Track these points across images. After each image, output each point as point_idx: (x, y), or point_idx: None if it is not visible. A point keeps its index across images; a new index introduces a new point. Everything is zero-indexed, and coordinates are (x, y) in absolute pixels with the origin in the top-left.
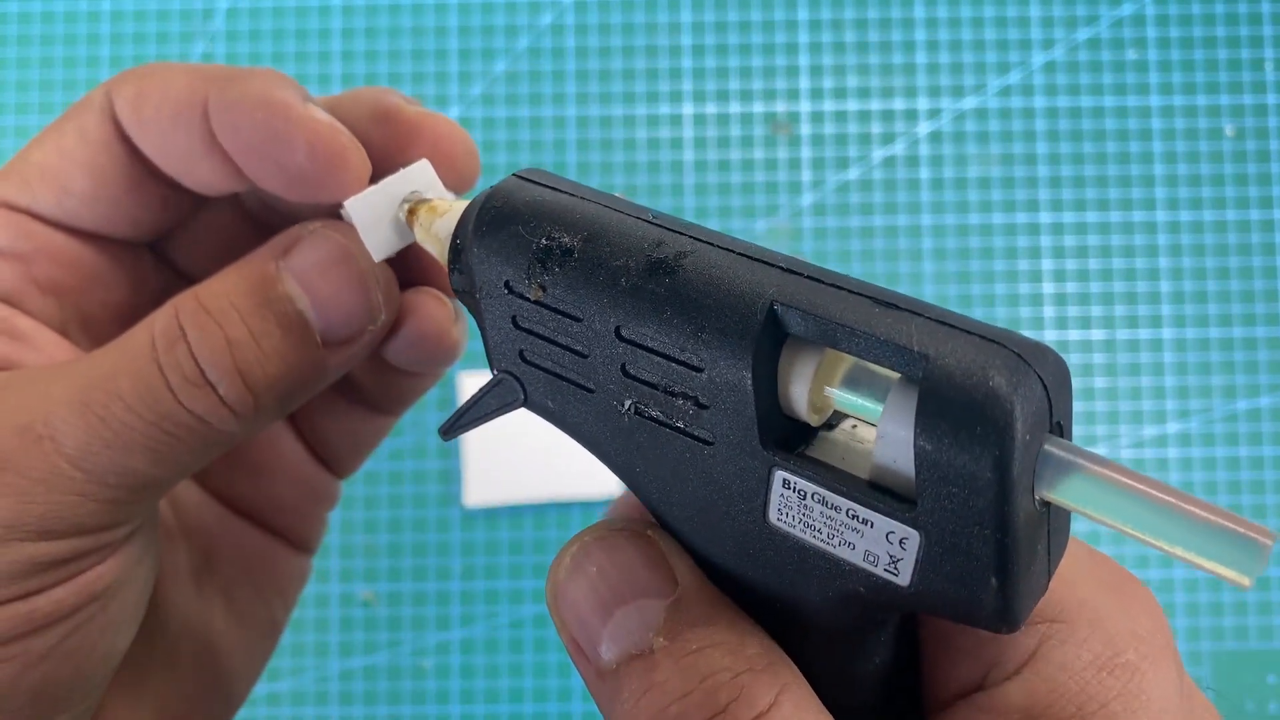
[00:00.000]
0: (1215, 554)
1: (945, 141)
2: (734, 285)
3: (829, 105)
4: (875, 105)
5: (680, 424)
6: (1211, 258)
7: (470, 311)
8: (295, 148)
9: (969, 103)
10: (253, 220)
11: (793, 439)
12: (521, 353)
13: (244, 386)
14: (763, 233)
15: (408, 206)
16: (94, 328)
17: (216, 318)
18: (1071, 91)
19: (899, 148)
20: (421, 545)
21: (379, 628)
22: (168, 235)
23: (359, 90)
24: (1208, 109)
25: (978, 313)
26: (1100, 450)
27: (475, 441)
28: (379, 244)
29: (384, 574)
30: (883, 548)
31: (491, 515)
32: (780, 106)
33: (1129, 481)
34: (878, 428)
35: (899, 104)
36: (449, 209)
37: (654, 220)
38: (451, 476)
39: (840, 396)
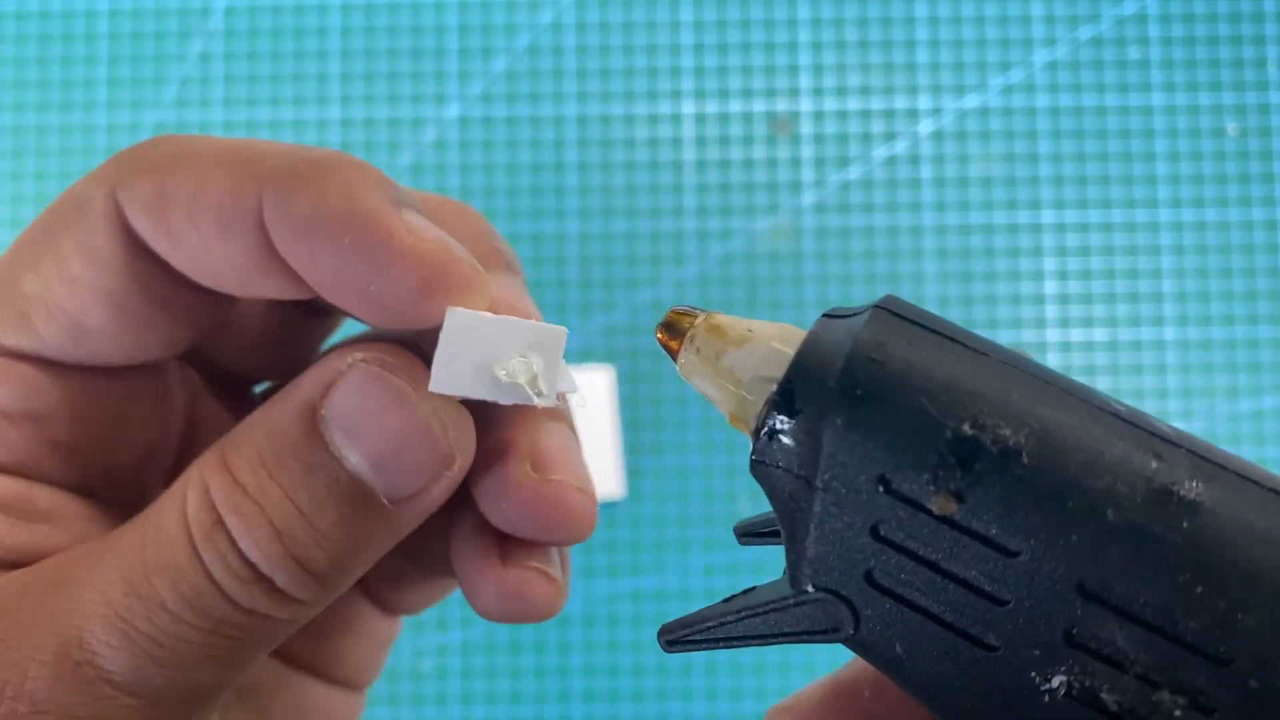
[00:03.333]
0: None
1: (947, 140)
2: None
3: (830, 104)
4: (877, 104)
5: None
6: (1214, 257)
7: (769, 490)
8: (402, 280)
9: (971, 101)
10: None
11: None
12: (870, 573)
13: (305, 573)
14: (763, 232)
15: (661, 329)
16: (121, 474)
17: (255, 498)
18: (1074, 90)
19: (900, 146)
20: None
21: None
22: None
23: (450, 209)
24: (1210, 108)
25: (979, 313)
26: None
27: None
28: (451, 379)
29: None
30: None
31: None
32: (781, 105)
33: None
34: None
35: (900, 102)
36: (749, 337)
37: (1104, 405)
38: None
39: None
